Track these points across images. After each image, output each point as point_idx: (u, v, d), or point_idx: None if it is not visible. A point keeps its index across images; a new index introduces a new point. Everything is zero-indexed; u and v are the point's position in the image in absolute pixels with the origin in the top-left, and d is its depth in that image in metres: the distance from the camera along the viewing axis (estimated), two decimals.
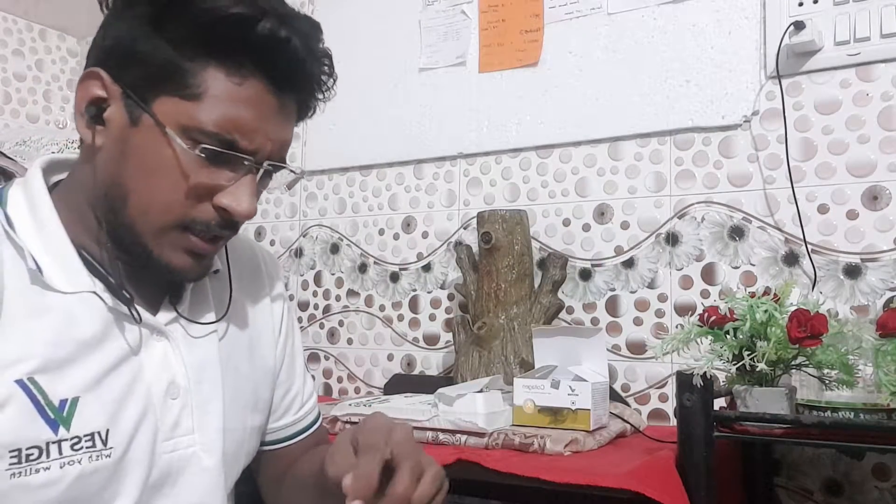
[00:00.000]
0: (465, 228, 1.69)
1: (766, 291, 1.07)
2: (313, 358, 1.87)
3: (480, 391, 1.16)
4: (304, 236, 1.92)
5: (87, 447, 0.69)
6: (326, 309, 1.87)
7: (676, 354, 1.08)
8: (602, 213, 1.54)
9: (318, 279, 1.89)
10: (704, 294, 1.42)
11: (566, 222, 1.57)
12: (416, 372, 1.72)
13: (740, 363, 1.01)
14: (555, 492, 0.97)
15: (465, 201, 1.70)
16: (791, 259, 1.36)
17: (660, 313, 1.46)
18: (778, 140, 1.38)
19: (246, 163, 0.71)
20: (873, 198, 1.30)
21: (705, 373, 0.98)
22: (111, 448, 0.71)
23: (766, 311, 1.01)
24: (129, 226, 0.71)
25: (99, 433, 0.70)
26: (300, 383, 0.96)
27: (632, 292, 1.49)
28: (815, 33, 1.32)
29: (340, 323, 1.84)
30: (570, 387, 1.15)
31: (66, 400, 0.68)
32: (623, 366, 1.48)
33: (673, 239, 1.46)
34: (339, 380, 1.83)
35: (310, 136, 1.90)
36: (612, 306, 1.51)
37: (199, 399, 0.78)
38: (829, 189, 1.34)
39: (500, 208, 1.56)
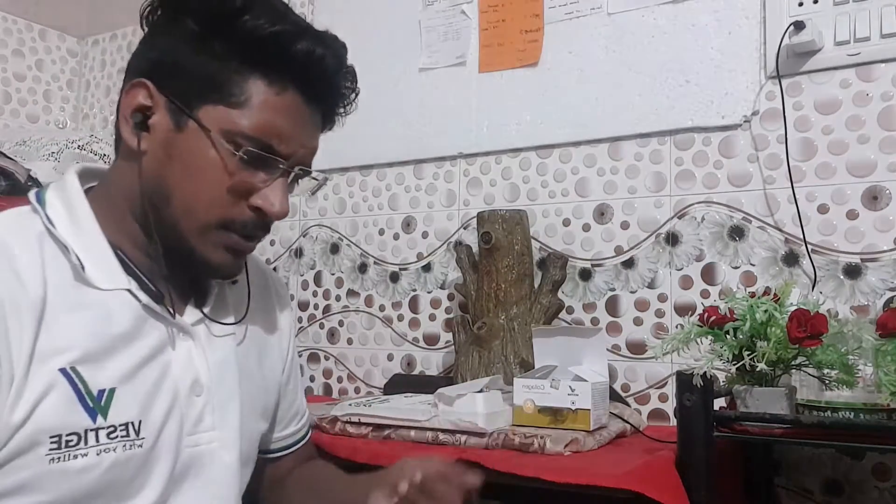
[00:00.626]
0: (465, 228, 1.69)
1: (766, 291, 1.07)
2: (313, 358, 1.87)
3: (480, 391, 1.16)
4: (303, 236, 1.92)
5: (121, 436, 0.73)
6: (326, 309, 1.87)
7: (676, 354, 1.08)
8: (602, 213, 1.54)
9: (318, 279, 1.89)
10: (704, 294, 1.42)
11: (566, 222, 1.57)
12: (416, 372, 1.72)
13: (740, 363, 1.01)
14: (555, 492, 0.97)
15: (465, 201, 1.70)
16: (791, 259, 1.36)
17: (660, 313, 1.46)
18: (778, 140, 1.38)
19: (281, 166, 0.78)
20: (873, 198, 1.30)
21: (705, 373, 0.98)
22: (143, 438, 0.74)
23: (766, 311, 1.01)
24: (173, 225, 0.77)
25: (132, 423, 0.74)
26: (301, 398, 1.04)
27: (632, 292, 1.49)
28: (815, 33, 1.32)
29: (340, 323, 1.84)
30: (570, 387, 1.15)
31: (104, 390, 0.72)
32: (623, 366, 1.48)
33: (673, 239, 1.46)
34: (339, 380, 1.83)
35: None
36: (612, 306, 1.51)
37: (220, 398, 0.82)
38: (829, 189, 1.34)
39: (500, 208, 1.56)
